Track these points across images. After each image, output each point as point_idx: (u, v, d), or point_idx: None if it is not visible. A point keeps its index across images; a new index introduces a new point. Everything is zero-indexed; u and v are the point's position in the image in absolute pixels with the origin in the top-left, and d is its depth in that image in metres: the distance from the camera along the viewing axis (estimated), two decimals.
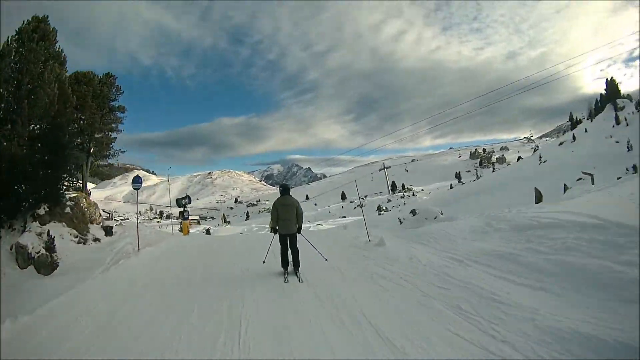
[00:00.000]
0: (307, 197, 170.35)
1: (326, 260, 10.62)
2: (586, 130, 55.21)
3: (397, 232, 16.38)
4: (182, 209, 29.80)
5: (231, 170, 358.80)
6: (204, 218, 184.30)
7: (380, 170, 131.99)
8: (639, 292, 5.58)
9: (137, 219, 32.86)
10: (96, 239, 16.37)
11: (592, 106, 78.25)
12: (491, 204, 29.55)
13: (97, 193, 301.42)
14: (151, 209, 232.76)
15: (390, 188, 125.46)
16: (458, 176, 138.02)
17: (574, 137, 53.97)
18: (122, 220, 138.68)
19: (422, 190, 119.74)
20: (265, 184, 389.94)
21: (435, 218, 17.33)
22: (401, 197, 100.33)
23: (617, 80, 71.41)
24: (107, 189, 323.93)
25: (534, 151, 77.55)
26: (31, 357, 6.03)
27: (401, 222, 37.16)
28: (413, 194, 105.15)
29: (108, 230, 17.67)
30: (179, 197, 30.27)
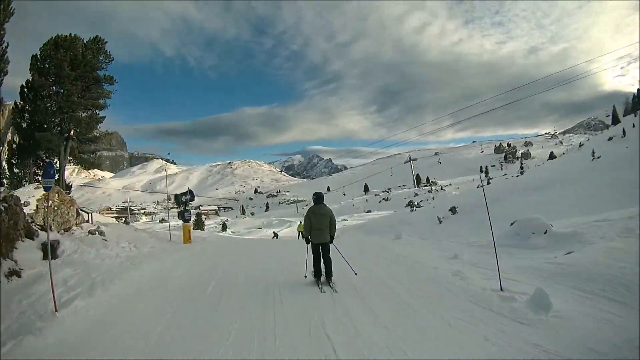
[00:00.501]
0: (328, 189, 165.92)
1: (356, 274, 9.49)
2: (634, 125, 50.52)
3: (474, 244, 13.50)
4: (182, 208, 21.42)
5: (251, 160, 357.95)
6: (223, 209, 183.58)
7: (406, 162, 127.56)
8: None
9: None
10: (14, 273, 8.55)
11: (629, 101, 73.38)
12: (548, 206, 25.45)
13: (115, 182, 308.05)
14: (169, 199, 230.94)
15: (415, 181, 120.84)
16: (485, 171, 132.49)
17: (624, 132, 49.31)
18: (114, 215, 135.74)
19: (450, 184, 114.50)
20: (285, 174, 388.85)
21: (545, 232, 11.73)
22: (429, 192, 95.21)
23: None
24: (125, 178, 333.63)
25: (580, 145, 71.74)
26: None
27: (440, 221, 33.41)
28: (441, 188, 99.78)
29: (51, 250, 9.10)
30: (178, 193, 22.14)
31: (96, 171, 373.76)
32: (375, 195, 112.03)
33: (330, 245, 9.44)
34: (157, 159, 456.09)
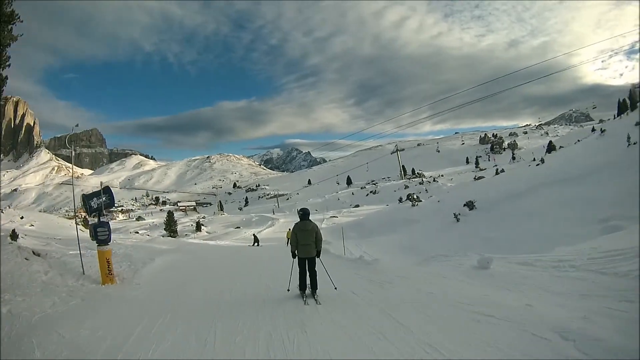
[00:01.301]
0: (309, 182, 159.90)
1: (335, 288, 9.04)
2: None
3: None
4: (94, 217, 12.51)
5: (230, 154, 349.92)
6: (200, 204, 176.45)
7: (392, 152, 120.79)
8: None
9: None
10: None
11: (636, 89, 69.06)
12: (600, 203, 20.16)
13: (94, 179, 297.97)
14: (147, 195, 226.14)
15: (401, 173, 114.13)
16: (475, 162, 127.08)
17: None
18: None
19: (442, 175, 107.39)
20: (264, 167, 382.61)
21: None
22: (420, 184, 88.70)
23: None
24: (104, 175, 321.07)
25: (601, 130, 66.05)
26: None
27: (457, 219, 26.83)
28: (434, 180, 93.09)
29: None
30: (87, 194, 10.51)
31: (76, 168, 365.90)
32: (362, 188, 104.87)
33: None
34: (135, 154, 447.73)
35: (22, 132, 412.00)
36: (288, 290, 9.11)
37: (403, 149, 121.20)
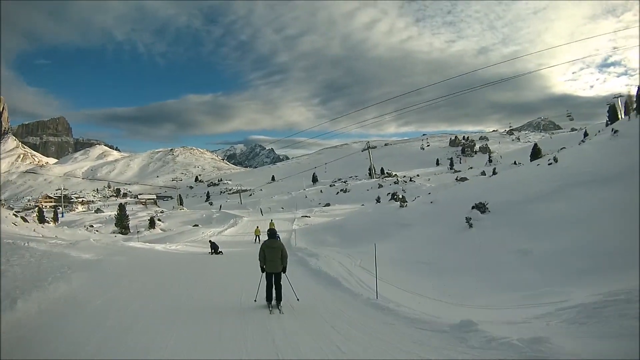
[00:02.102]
0: (273, 178, 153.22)
1: (298, 300, 10.23)
2: None
3: None
4: None
5: (194, 148, 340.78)
6: (161, 197, 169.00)
7: (363, 150, 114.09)
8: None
9: None
10: None
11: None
12: None
13: (58, 168, 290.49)
14: (109, 186, 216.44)
15: (369, 172, 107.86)
16: (450, 163, 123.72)
17: None
18: (52, 204, 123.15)
19: (418, 175, 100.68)
20: (227, 163, 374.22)
21: None
22: (395, 183, 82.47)
23: None
24: (67, 165, 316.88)
25: (613, 131, 61.60)
26: None
27: (470, 225, 21.07)
28: (410, 180, 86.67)
29: None
30: None
31: (41, 157, 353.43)
32: (330, 185, 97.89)
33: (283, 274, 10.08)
34: (100, 144, 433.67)
35: None
36: (255, 300, 9.98)
37: (375, 147, 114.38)
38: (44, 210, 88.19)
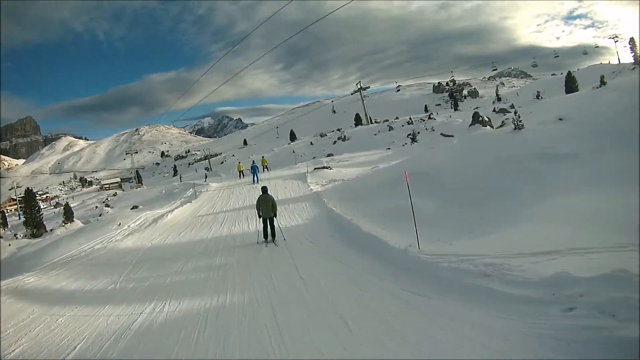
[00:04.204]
0: (245, 142, 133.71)
1: (285, 239, 12.54)
2: None
3: None
4: None
5: (159, 125, 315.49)
6: (126, 180, 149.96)
7: (353, 93, 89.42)
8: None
9: None
10: None
11: None
12: None
13: (25, 168, 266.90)
14: (75, 177, 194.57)
15: (367, 117, 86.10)
16: (456, 105, 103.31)
17: None
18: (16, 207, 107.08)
19: (437, 114, 78.04)
20: (195, 136, 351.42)
21: None
22: (408, 123, 62.77)
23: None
24: (34, 163, 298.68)
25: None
26: None
27: None
28: (429, 118, 65.96)
29: None
30: None
31: (10, 160, 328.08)
32: (321, 135, 75.95)
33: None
34: (66, 136, 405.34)
35: None
36: (257, 242, 12.83)
37: (368, 87, 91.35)
38: (7, 214, 68.77)
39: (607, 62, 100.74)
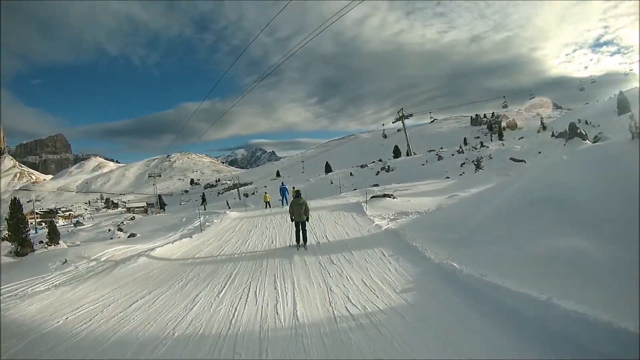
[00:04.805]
0: (278, 174, 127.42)
1: (318, 242, 12.16)
2: None
3: None
4: None
5: (191, 153, 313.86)
6: (151, 205, 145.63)
7: (395, 121, 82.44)
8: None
9: None
10: None
11: None
12: None
13: (51, 184, 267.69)
14: (101, 198, 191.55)
15: (409, 148, 78.74)
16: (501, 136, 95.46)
17: None
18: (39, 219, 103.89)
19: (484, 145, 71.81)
20: (228, 165, 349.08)
21: None
22: (458, 152, 57.44)
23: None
24: (62, 179, 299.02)
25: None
26: None
27: None
28: (482, 146, 62.60)
29: None
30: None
31: (38, 174, 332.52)
32: (362, 166, 68.42)
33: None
34: (96, 157, 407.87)
35: None
36: (289, 245, 12.34)
37: (411, 115, 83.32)
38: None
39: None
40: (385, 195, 19.17)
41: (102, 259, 12.46)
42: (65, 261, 12.52)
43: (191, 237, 15.35)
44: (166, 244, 14.38)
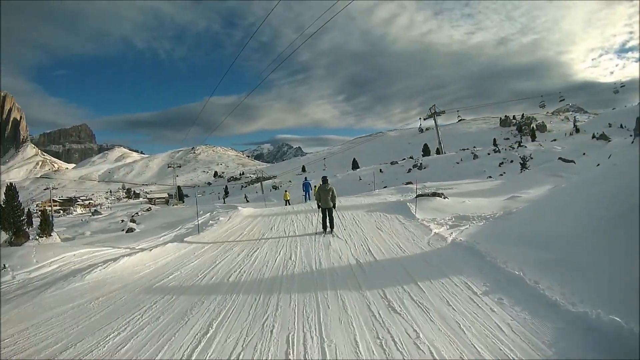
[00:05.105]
0: (303, 169, 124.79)
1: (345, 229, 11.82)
2: None
3: None
4: None
5: (216, 146, 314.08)
6: (171, 196, 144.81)
7: (426, 118, 78.91)
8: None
9: None
10: None
11: None
12: None
13: (73, 173, 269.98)
14: (123, 188, 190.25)
15: (441, 146, 75.05)
16: (521, 140, 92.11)
17: None
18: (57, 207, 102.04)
19: (522, 145, 68.28)
20: (253, 159, 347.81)
21: None
22: (494, 152, 54.33)
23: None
24: (84, 168, 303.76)
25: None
26: None
27: None
28: (519, 145, 60.48)
29: None
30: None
31: (61, 163, 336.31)
32: (392, 163, 66.08)
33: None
34: (119, 147, 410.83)
35: (8, 126, 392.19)
36: (316, 233, 11.93)
37: (444, 111, 78.88)
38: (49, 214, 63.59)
39: None
40: (434, 194, 15.16)
41: (49, 269, 8.89)
42: (4, 267, 9.06)
43: (182, 241, 11.57)
44: (147, 248, 10.79)
